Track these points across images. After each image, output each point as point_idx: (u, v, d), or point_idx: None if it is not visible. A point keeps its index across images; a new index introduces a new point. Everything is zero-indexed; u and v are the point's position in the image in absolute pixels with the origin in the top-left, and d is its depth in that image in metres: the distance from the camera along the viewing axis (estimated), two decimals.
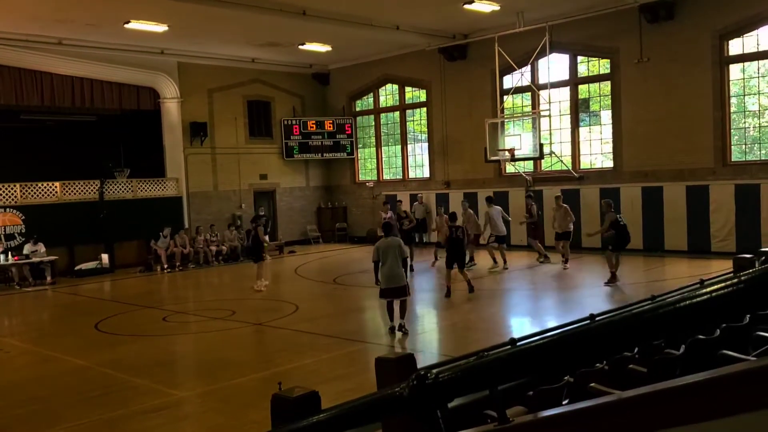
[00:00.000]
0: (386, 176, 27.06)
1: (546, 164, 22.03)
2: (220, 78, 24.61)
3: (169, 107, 23.63)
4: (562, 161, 21.50)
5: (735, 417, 1.35)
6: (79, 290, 18.28)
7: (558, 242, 17.54)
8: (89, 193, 21.54)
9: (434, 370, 1.75)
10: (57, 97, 21.61)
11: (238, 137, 25.36)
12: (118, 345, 11.59)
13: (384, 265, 11.03)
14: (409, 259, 12.04)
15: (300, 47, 23.05)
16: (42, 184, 20.79)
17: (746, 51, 18.21)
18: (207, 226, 22.94)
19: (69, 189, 21.29)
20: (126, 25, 18.79)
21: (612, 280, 14.60)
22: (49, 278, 19.39)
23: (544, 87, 21.49)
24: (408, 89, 25.93)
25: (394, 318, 11.24)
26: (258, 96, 26.02)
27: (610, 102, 20.56)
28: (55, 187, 21.02)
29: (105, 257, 21.07)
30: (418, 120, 25.96)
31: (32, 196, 20.59)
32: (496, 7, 19.10)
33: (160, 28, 19.33)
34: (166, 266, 21.24)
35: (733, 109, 18.57)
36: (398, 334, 10.98)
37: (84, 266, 20.74)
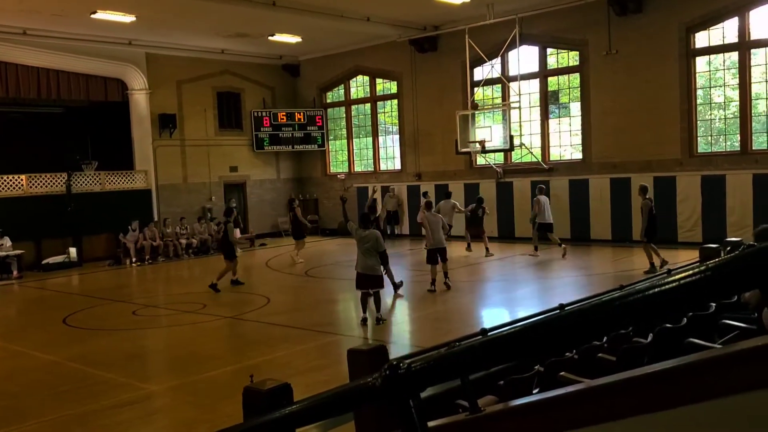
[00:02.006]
0: (357, 168, 27.02)
1: (516, 156, 22.17)
2: (189, 69, 24.35)
3: (137, 99, 23.32)
4: (531, 153, 21.66)
5: (701, 403, 1.38)
6: (47, 284, 18.01)
7: (552, 235, 17.78)
8: (56, 186, 21.19)
9: (406, 361, 1.76)
10: (22, 89, 21.21)
11: (207, 129, 25.14)
12: (87, 339, 11.45)
13: (359, 256, 11.31)
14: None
15: (270, 38, 22.88)
16: (7, 177, 20.40)
17: (712, 43, 18.48)
18: (176, 218, 22.72)
19: (35, 182, 20.94)
20: (93, 15, 18.49)
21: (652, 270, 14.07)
22: (15, 272, 19.07)
23: (514, 79, 21.61)
24: (379, 81, 25.89)
25: (368, 310, 11.29)
26: (228, 87, 25.80)
27: (579, 94, 20.74)
28: (21, 180, 20.65)
29: (73, 251, 20.77)
30: (389, 112, 25.94)
31: None
32: None
33: (128, 18, 19.06)
34: (135, 260, 21.00)
35: (699, 101, 18.85)
36: (370, 326, 11.01)
37: (51, 260, 20.44)
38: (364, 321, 11.26)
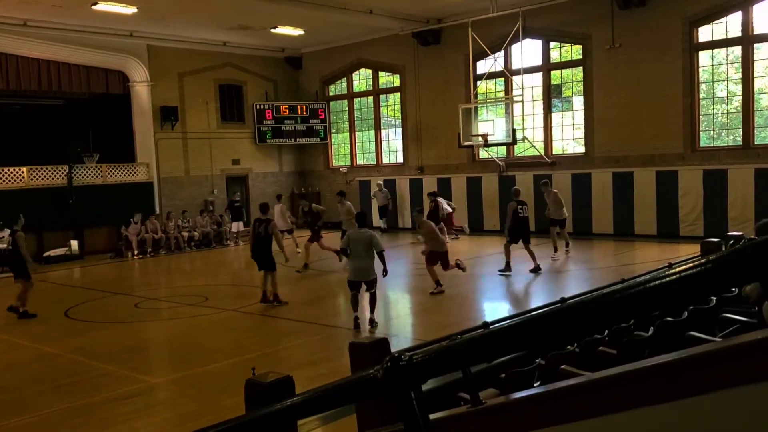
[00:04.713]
0: (360, 161, 27.00)
1: (519, 150, 22.15)
2: (191, 61, 24.31)
3: (138, 91, 23.30)
4: (534, 147, 21.64)
5: (702, 396, 1.38)
6: (48, 277, 18.01)
7: (553, 228, 16.44)
8: (57, 178, 21.20)
9: (408, 353, 1.76)
10: (23, 81, 21.20)
11: (209, 122, 25.12)
12: (88, 332, 11.47)
13: (353, 257, 10.64)
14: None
15: (272, 31, 22.85)
16: (8, 170, 20.41)
17: (715, 38, 18.44)
18: (179, 211, 22.72)
19: (36, 174, 20.94)
20: (94, 7, 18.46)
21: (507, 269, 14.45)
22: None
23: (517, 72, 21.57)
24: (381, 74, 25.85)
25: (359, 308, 10.77)
26: (230, 80, 25.77)
27: (582, 88, 20.70)
28: (22, 172, 20.66)
29: (74, 244, 20.78)
30: (391, 105, 25.92)
31: None
32: None
33: (129, 10, 19.02)
34: (137, 252, 21.02)
35: (702, 95, 18.81)
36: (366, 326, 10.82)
37: (53, 253, 20.45)
38: (356, 320, 10.54)
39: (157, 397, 8.11)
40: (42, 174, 21.05)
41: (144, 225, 21.47)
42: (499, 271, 14.51)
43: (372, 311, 10.84)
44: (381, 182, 23.81)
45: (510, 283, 14.27)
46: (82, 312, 13.03)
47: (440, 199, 20.02)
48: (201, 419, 7.04)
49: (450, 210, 20.36)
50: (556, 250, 16.17)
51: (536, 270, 14.40)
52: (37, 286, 17.02)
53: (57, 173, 21.24)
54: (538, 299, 12.09)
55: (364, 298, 10.88)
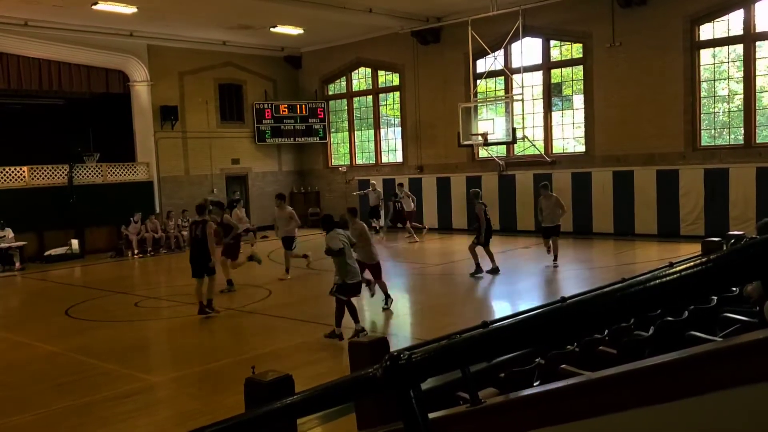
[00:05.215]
0: (359, 161, 27.00)
1: (519, 149, 22.14)
2: (191, 61, 24.32)
3: (138, 90, 23.30)
4: (534, 146, 21.63)
5: (702, 396, 1.37)
6: (49, 276, 18.03)
7: (546, 240, 15.21)
8: (58, 177, 21.21)
9: (407, 352, 1.75)
10: (23, 80, 21.20)
11: (209, 121, 25.13)
12: (89, 331, 11.47)
13: (347, 258, 9.97)
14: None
15: (272, 30, 22.84)
16: (9, 169, 20.42)
17: (717, 36, 18.41)
18: (179, 211, 22.73)
19: (37, 174, 20.95)
20: (94, 7, 18.46)
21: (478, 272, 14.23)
22: (17, 264, 19.10)
23: (517, 71, 21.56)
24: (381, 73, 25.84)
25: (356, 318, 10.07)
26: (229, 79, 25.77)
27: (582, 86, 20.69)
28: (23, 171, 20.67)
29: (75, 243, 20.79)
30: (391, 104, 25.91)
31: None
32: None
33: (129, 9, 19.02)
34: (137, 251, 21.03)
35: (703, 93, 18.79)
36: (368, 321, 10.89)
37: (53, 252, 20.46)
38: (358, 333, 9.59)
39: (157, 395, 8.11)
40: (43, 173, 21.06)
41: (144, 224, 21.49)
42: (471, 274, 14.17)
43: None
44: (374, 182, 23.84)
45: (509, 282, 14.26)
46: (82, 311, 13.03)
47: (407, 195, 21.47)
48: (201, 418, 7.04)
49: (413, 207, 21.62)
50: (556, 257, 14.99)
51: (495, 271, 14.23)
52: (37, 285, 17.05)
53: (57, 173, 21.24)
54: (537, 299, 12.08)
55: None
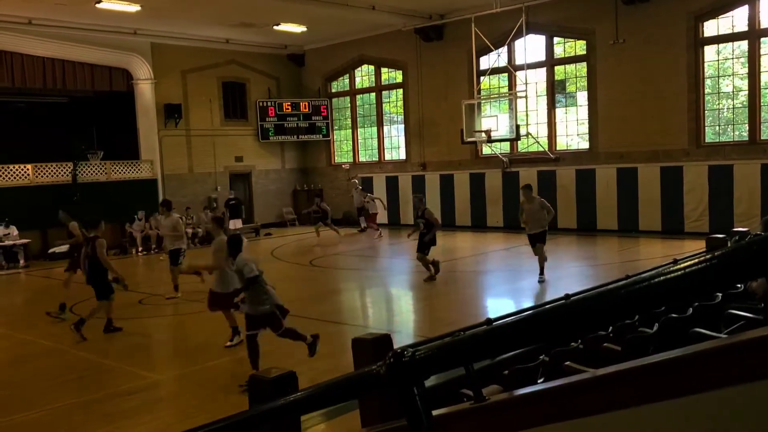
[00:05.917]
0: (362, 158, 26.99)
1: (522, 145, 22.11)
2: (195, 59, 24.33)
3: (142, 88, 23.32)
4: (538, 142, 21.60)
5: (707, 393, 1.37)
6: (53, 273, 18.04)
7: (534, 248, 13.31)
8: (62, 175, 21.25)
9: (411, 349, 1.75)
10: (28, 79, 21.23)
11: (213, 119, 25.14)
12: (93, 328, 11.47)
13: (262, 281, 8.50)
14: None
15: (275, 28, 22.84)
16: (13, 167, 20.47)
17: (721, 32, 18.35)
18: (182, 208, 22.74)
19: (41, 171, 20.99)
20: (97, 5, 18.47)
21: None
22: (22, 261, 19.17)
23: (521, 68, 21.53)
24: (384, 70, 25.83)
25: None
26: (233, 77, 25.78)
27: (586, 83, 20.64)
28: (27, 169, 20.71)
29: None
30: (394, 101, 25.89)
31: (3, 178, 20.26)
32: None
33: (133, 7, 19.03)
34: (141, 249, 21.07)
35: (707, 90, 18.74)
36: (372, 317, 10.90)
37: (57, 249, 20.47)
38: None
39: (160, 393, 8.13)
40: (47, 171, 21.09)
41: (148, 222, 21.52)
42: (425, 280, 13.58)
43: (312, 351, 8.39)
44: (356, 181, 23.82)
45: (513, 280, 14.26)
46: (85, 308, 13.00)
47: (375, 199, 22.98)
48: (204, 415, 7.05)
49: (376, 210, 22.94)
50: (542, 270, 13.24)
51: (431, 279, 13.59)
52: (41, 283, 17.08)
53: (61, 170, 21.28)
54: (541, 296, 12.07)
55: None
